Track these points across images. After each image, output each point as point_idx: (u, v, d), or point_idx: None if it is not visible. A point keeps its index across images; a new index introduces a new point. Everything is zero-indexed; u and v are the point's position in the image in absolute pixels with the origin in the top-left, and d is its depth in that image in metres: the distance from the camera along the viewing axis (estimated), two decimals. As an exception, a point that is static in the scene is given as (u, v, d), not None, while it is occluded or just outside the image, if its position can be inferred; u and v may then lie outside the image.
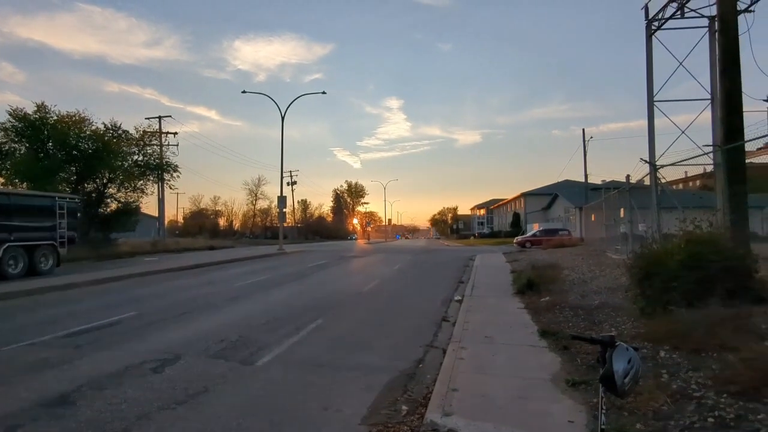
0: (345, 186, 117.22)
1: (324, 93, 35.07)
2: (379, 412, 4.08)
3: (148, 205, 39.22)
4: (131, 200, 30.27)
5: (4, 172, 24.35)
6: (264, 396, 4.49)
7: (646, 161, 12.39)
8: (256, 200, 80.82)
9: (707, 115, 15.79)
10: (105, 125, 28.30)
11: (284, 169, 35.03)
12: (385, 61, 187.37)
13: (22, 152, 24.88)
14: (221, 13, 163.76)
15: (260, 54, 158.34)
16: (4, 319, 8.58)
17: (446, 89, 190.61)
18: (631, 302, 6.94)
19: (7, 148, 24.76)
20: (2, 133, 24.66)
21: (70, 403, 4.26)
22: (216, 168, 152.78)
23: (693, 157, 10.80)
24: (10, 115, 24.50)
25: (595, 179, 41.67)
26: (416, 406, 4.19)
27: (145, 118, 38.65)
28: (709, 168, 17.69)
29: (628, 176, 14.47)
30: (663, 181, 11.18)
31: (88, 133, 26.84)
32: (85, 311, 9.22)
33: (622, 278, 9.38)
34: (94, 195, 28.62)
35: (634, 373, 2.01)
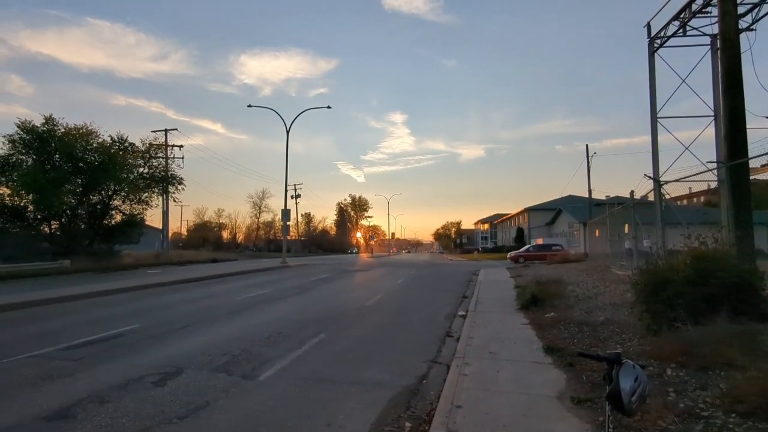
0: (349, 199, 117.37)
1: (329, 107, 34.99)
2: (382, 429, 4.04)
3: (153, 218, 39.44)
4: (136, 212, 30.53)
5: (10, 183, 24.59)
6: (266, 411, 4.45)
7: (650, 177, 12.42)
8: (259, 213, 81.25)
9: (711, 131, 15.80)
10: (111, 138, 28.78)
11: (288, 183, 35.17)
12: (390, 77, 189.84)
13: (28, 164, 25.16)
14: (228, 28, 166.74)
15: (266, 68, 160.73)
16: (4, 331, 8.58)
17: (450, 104, 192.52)
18: (637, 319, 6.88)
19: (14, 159, 25.06)
20: (10, 144, 25.03)
21: (71, 417, 4.23)
22: (220, 181, 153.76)
23: (697, 174, 10.86)
24: (19, 127, 24.92)
25: (599, 194, 41.40)
26: (420, 423, 4.14)
27: (151, 131, 39.41)
28: (713, 184, 17.64)
29: (632, 192, 14.49)
30: (667, 197, 11.19)
31: (94, 145, 27.25)
32: (87, 323, 9.20)
33: (627, 294, 9.30)
34: (99, 207, 28.86)
35: (641, 391, 1.99)
